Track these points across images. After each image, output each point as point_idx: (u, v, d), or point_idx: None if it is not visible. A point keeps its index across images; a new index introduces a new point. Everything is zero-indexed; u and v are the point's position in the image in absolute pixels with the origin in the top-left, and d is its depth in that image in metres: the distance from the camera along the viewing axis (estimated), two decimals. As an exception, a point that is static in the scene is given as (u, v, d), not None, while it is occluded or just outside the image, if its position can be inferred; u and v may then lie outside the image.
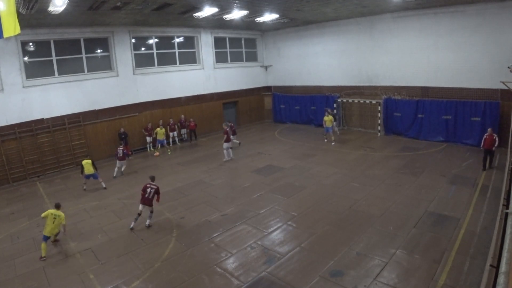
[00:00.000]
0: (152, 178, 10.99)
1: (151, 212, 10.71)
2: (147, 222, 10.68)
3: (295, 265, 8.09)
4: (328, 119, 19.45)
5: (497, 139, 13.71)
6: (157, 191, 10.68)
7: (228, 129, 17.76)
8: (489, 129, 14.10)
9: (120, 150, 16.07)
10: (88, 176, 14.31)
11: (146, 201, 10.54)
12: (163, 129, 20.33)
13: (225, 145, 17.32)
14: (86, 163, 14.23)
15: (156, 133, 19.99)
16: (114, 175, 16.12)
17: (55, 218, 9.28)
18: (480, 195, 11.37)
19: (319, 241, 9.20)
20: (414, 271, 7.49)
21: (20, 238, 10.41)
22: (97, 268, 8.48)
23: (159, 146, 20.19)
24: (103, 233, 10.39)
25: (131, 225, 10.55)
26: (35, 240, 10.14)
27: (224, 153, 17.49)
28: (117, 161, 16.11)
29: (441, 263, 7.68)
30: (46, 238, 9.20)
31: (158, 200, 10.82)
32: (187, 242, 9.54)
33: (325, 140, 19.95)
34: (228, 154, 17.46)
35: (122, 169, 16.39)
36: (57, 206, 9.60)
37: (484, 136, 13.99)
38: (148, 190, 10.57)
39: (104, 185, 14.60)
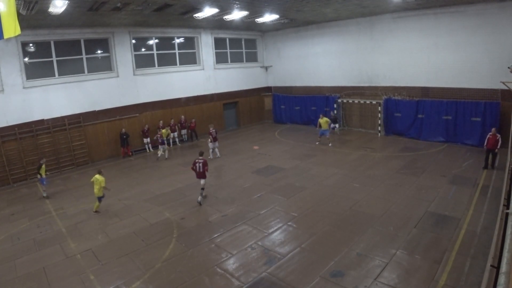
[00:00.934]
0: (201, 153, 12.75)
1: (202, 188, 12.33)
2: (199, 199, 12.21)
3: (296, 266, 8.09)
4: (323, 121, 19.15)
5: (500, 139, 13.68)
6: (204, 163, 12.22)
7: (212, 130, 18.21)
8: (493, 129, 14.02)
9: (214, 131, 18.05)
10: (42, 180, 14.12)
11: (199, 175, 12.22)
12: (168, 130, 20.67)
13: (210, 145, 18.23)
14: (43, 168, 14.09)
15: (161, 135, 19.87)
16: (210, 156, 17.82)
17: (96, 182, 11.61)
18: (480, 195, 11.37)
19: (319, 241, 9.20)
20: (415, 272, 7.48)
21: (21, 239, 10.40)
22: (97, 269, 8.47)
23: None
24: (103, 234, 10.39)
25: (199, 199, 12.22)
26: (36, 241, 10.15)
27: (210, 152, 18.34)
28: (210, 143, 18.03)
29: (441, 264, 7.68)
30: (98, 199, 11.83)
31: (206, 170, 12.29)
32: (188, 243, 9.54)
33: (317, 143, 19.65)
34: (214, 153, 18.41)
35: (216, 150, 18.21)
36: (99, 172, 11.89)
37: (488, 136, 14.02)
38: (197, 165, 12.18)
39: (44, 194, 14.12)
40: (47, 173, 14.53)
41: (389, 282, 7.20)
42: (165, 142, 19.76)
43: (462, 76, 17.30)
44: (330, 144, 19.21)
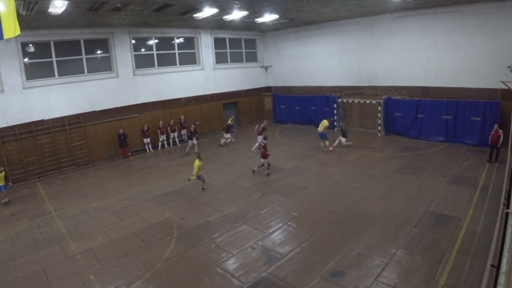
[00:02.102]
0: (265, 138, 15.93)
1: (268, 164, 15.05)
2: (267, 172, 14.87)
3: (296, 266, 8.09)
4: (321, 123, 18.43)
5: (502, 135, 14.48)
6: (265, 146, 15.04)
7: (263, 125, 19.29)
8: (495, 125, 14.95)
9: (260, 126, 19.00)
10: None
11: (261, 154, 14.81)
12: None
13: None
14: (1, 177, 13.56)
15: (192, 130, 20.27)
16: (221, 144, 19.93)
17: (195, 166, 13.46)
18: (480, 195, 11.37)
19: (319, 241, 9.20)
20: (415, 271, 7.48)
21: (21, 239, 10.40)
22: (97, 269, 8.47)
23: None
24: (103, 234, 10.39)
25: (254, 168, 14.94)
26: (36, 241, 10.15)
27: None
28: (224, 133, 20.05)
29: (441, 263, 7.68)
30: (198, 177, 13.54)
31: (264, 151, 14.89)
32: (188, 243, 9.54)
33: (323, 150, 18.19)
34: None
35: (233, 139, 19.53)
36: (198, 157, 13.52)
37: (492, 132, 14.79)
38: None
39: (4, 200, 13.69)
40: (9, 183, 14.41)
41: (389, 282, 7.20)
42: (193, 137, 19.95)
43: (462, 76, 17.30)
44: (331, 149, 18.20)
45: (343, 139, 18.32)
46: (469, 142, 17.34)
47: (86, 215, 11.98)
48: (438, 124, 18.43)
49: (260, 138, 17.72)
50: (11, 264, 8.93)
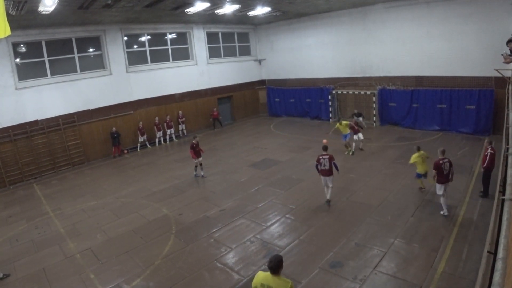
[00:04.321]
0: (325, 148, 10.88)
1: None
2: (327, 197, 11.04)
3: (295, 258, 8.14)
4: (341, 125, 15.96)
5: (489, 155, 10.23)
6: (331, 158, 10.63)
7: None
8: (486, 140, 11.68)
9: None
10: None
11: (324, 172, 10.69)
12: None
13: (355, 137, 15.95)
14: None
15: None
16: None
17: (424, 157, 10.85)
18: (476, 182, 11.43)
19: (317, 233, 9.25)
20: (413, 260, 7.55)
21: (19, 240, 10.37)
22: (97, 268, 8.48)
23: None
24: (102, 233, 10.38)
25: (327, 197, 11.02)
26: (34, 242, 10.13)
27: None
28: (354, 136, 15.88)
29: (439, 251, 7.75)
30: (419, 176, 11.05)
31: (336, 168, 10.72)
32: (186, 239, 9.56)
33: (350, 154, 15.88)
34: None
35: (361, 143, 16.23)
36: (418, 149, 11.09)
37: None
38: (322, 161, 10.64)
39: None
40: None
41: (388, 271, 7.26)
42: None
43: (455, 65, 17.31)
44: (351, 153, 15.91)
45: (361, 135, 16.11)
46: (464, 131, 17.40)
47: (84, 214, 11.96)
48: (433, 113, 18.48)
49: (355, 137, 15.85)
50: (10, 266, 8.90)
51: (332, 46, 22.80)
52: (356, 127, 15.97)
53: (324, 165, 10.64)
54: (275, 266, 4.68)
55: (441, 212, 9.49)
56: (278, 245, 8.77)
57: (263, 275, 4.83)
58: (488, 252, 5.20)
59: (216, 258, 8.48)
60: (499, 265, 2.86)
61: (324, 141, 12.90)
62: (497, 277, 2.69)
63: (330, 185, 10.87)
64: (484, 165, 10.06)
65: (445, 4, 16.99)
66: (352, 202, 10.91)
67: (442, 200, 9.46)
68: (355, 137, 15.94)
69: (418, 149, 11.15)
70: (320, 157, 10.72)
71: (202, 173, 14.57)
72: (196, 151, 14.24)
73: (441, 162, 9.31)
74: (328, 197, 10.97)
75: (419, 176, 11.13)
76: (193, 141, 14.34)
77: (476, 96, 16.77)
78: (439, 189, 9.42)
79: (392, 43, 19.65)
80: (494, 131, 16.16)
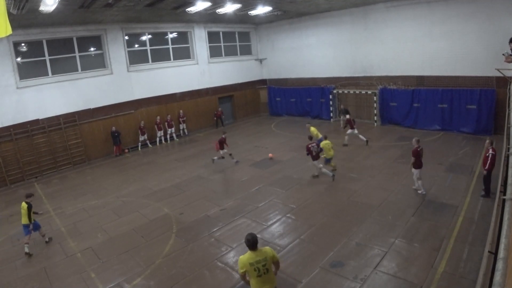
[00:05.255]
0: (310, 138, 13.18)
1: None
2: (331, 174, 12.79)
3: (296, 257, 8.14)
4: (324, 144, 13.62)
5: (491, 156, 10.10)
6: (318, 145, 12.96)
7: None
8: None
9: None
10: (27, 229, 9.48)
11: (316, 157, 12.68)
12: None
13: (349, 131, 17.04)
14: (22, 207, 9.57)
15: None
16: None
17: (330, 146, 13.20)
18: (477, 182, 11.40)
19: (318, 232, 9.24)
20: (414, 260, 7.55)
21: (21, 240, 10.35)
22: (98, 267, 8.49)
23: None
24: (103, 232, 10.40)
25: (331, 174, 12.71)
26: (35, 241, 10.11)
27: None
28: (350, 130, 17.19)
29: (440, 251, 7.74)
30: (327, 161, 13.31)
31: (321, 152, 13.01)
32: (187, 238, 9.57)
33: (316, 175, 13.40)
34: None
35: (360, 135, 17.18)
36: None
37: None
38: (312, 148, 12.58)
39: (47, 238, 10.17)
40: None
41: (388, 270, 7.26)
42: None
43: (457, 64, 17.28)
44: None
45: (356, 131, 16.88)
46: (465, 130, 17.36)
47: (85, 213, 11.98)
48: (434, 113, 18.44)
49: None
50: (11, 265, 8.94)
51: (333, 45, 22.78)
52: (352, 123, 17.18)
53: (315, 151, 12.59)
54: (255, 241, 5.27)
55: (419, 192, 10.89)
56: (279, 244, 8.77)
57: (247, 256, 5.27)
58: (489, 252, 5.20)
59: (217, 257, 8.48)
60: (500, 265, 2.85)
61: (270, 155, 16.32)
62: (498, 277, 2.69)
63: (320, 165, 12.84)
64: (486, 167, 9.96)
65: (446, 4, 16.94)
66: (353, 201, 10.91)
67: (420, 182, 10.85)
68: (349, 131, 17.14)
69: (325, 138, 13.51)
70: (310, 145, 12.59)
71: (234, 160, 16.00)
72: (221, 145, 15.80)
73: (419, 149, 10.65)
74: (316, 173, 13.00)
75: (327, 161, 13.41)
76: (223, 136, 15.90)
77: (477, 96, 16.73)
78: (417, 174, 10.78)
79: (393, 43, 19.62)
80: (495, 131, 16.12)
